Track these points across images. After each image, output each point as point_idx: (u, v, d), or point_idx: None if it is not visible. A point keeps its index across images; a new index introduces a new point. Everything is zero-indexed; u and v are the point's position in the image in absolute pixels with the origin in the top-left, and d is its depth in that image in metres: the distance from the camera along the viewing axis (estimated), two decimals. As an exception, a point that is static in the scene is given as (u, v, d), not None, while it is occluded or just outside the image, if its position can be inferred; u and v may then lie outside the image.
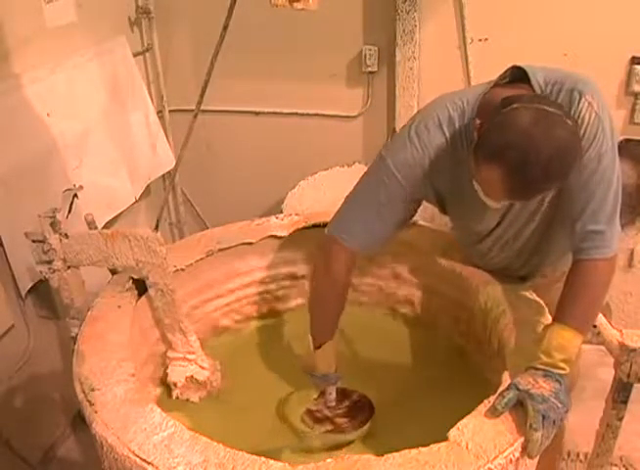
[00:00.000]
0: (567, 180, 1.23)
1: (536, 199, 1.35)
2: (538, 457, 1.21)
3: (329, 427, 1.54)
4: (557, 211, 1.42)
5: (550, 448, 1.22)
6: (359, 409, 1.59)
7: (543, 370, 1.21)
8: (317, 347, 1.55)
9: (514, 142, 1.15)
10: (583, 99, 1.28)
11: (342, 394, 1.61)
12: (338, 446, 1.48)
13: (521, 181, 1.16)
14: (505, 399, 1.18)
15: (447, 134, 1.37)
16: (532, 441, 1.14)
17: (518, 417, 1.17)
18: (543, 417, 1.14)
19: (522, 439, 1.14)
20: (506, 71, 1.34)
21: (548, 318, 1.43)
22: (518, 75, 1.33)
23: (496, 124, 1.19)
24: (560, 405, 1.16)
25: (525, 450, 1.15)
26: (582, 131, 1.28)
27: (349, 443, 1.50)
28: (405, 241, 1.76)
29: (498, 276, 1.59)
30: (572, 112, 1.27)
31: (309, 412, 1.58)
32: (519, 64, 1.32)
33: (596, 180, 1.31)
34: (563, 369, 1.22)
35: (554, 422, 1.15)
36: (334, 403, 1.59)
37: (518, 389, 1.18)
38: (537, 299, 1.50)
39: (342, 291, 1.54)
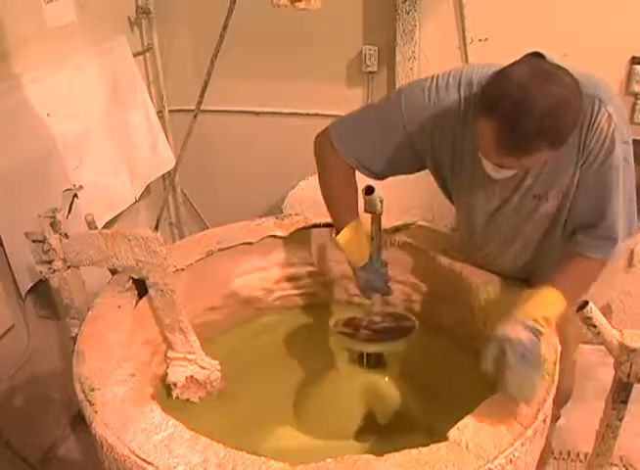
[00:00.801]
0: (561, 144, 1.20)
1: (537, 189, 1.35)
2: (538, 457, 1.21)
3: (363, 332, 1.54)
4: (560, 214, 1.42)
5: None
6: (398, 330, 1.56)
7: (523, 320, 1.24)
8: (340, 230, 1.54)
9: (508, 93, 1.15)
10: (603, 109, 1.28)
11: (391, 315, 1.59)
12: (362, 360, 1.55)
13: (513, 134, 1.16)
14: (487, 352, 1.20)
15: (462, 98, 1.36)
16: (513, 381, 1.16)
17: (518, 417, 1.17)
18: (522, 357, 1.17)
19: (521, 439, 1.14)
20: (526, 55, 1.31)
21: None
22: None
23: (494, 77, 1.21)
24: (533, 357, 1.20)
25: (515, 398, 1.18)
26: (599, 142, 1.29)
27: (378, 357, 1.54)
28: (405, 241, 1.76)
29: (498, 276, 1.59)
30: (592, 119, 1.28)
31: (348, 320, 1.58)
32: (540, 51, 1.30)
33: (607, 190, 1.33)
34: (542, 326, 1.24)
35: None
36: (378, 319, 1.55)
37: (497, 338, 1.21)
38: (537, 299, 1.50)
39: (348, 185, 1.53)
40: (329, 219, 1.80)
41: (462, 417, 1.18)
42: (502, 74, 1.20)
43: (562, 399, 1.67)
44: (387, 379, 1.60)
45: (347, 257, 1.58)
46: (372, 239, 1.54)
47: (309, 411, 1.62)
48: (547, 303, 1.30)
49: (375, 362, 1.60)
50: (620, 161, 1.32)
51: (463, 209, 1.57)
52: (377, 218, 1.54)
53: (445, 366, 1.68)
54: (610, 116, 1.28)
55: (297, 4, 1.72)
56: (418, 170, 1.55)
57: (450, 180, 1.51)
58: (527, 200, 1.41)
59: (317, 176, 1.60)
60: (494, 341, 1.21)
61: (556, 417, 1.76)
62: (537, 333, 1.24)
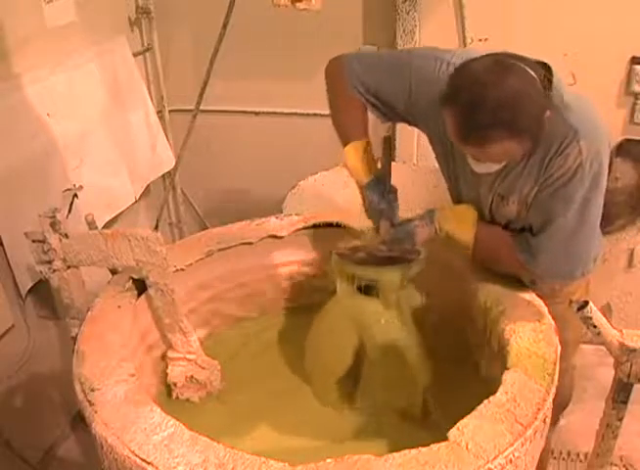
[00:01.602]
0: (520, 132, 1.21)
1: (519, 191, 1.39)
2: (538, 457, 1.21)
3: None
4: (516, 221, 1.46)
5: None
6: (400, 261, 1.52)
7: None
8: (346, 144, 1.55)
9: (466, 85, 1.20)
10: (576, 143, 1.28)
11: (399, 246, 1.54)
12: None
13: (470, 123, 1.20)
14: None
15: None
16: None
17: (518, 417, 1.18)
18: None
19: (521, 439, 1.14)
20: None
21: (548, 318, 1.43)
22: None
23: (457, 69, 1.25)
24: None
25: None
26: (560, 171, 1.30)
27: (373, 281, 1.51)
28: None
29: (498, 276, 1.59)
30: (560, 147, 1.29)
31: (353, 246, 1.57)
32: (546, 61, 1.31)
33: (549, 217, 1.36)
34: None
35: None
36: (383, 248, 1.51)
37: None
38: (537, 299, 1.50)
39: (355, 106, 1.56)
40: (329, 219, 1.81)
41: (462, 417, 1.18)
42: (464, 66, 1.24)
43: (561, 404, 1.67)
44: (383, 321, 1.55)
45: (351, 173, 1.56)
46: (383, 161, 1.54)
47: (308, 348, 1.64)
48: (461, 221, 1.45)
49: (366, 289, 1.55)
50: (577, 197, 1.32)
51: (448, 181, 1.61)
52: (387, 140, 1.54)
53: (444, 366, 1.68)
54: (580, 151, 1.28)
55: (297, 4, 1.72)
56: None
57: (437, 157, 1.55)
58: (496, 197, 1.45)
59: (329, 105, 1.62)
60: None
61: (555, 420, 1.76)
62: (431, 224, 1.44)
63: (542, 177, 1.35)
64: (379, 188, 1.52)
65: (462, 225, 1.46)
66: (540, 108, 1.22)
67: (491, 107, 1.17)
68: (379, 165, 1.55)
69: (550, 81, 1.26)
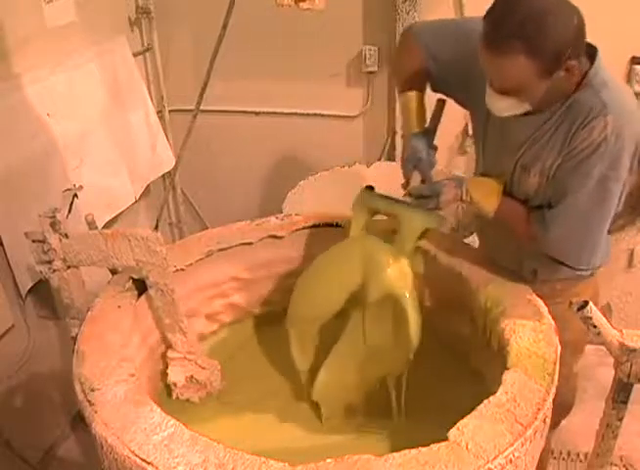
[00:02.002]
0: (537, 53, 1.24)
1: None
2: (538, 457, 1.21)
3: None
4: (537, 195, 1.47)
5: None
6: None
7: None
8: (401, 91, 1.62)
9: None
10: (602, 116, 1.30)
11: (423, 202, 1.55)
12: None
13: (496, 31, 1.26)
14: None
15: None
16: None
17: (518, 417, 1.18)
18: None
19: (521, 439, 1.14)
20: None
21: (548, 318, 1.43)
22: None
23: None
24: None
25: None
26: (583, 144, 1.32)
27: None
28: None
29: (498, 276, 1.59)
30: (587, 120, 1.31)
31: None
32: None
33: (565, 191, 1.38)
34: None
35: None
36: (409, 200, 1.54)
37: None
38: (537, 299, 1.50)
39: (418, 64, 1.59)
40: (329, 219, 1.81)
41: (462, 417, 1.18)
42: None
43: (563, 409, 1.68)
44: (391, 269, 1.51)
45: (405, 118, 1.63)
46: (432, 119, 1.60)
47: (300, 284, 1.65)
48: (488, 192, 1.49)
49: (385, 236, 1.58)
50: (596, 172, 1.33)
51: (478, 155, 1.66)
52: (440, 103, 1.60)
53: (444, 366, 1.68)
54: (606, 125, 1.30)
55: (300, 4, 1.72)
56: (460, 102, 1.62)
57: (476, 126, 1.61)
58: (519, 169, 1.47)
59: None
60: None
61: (555, 423, 1.76)
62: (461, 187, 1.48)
63: (566, 149, 1.37)
64: (424, 140, 1.56)
65: (488, 196, 1.50)
66: (565, 40, 1.25)
67: (519, 19, 1.22)
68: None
69: (592, 54, 1.34)
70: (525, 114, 1.38)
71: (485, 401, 1.21)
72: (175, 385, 1.57)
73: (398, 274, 1.50)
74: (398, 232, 1.54)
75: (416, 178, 1.54)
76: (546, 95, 1.32)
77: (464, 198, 1.50)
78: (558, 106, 1.37)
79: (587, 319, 1.25)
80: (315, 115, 2.67)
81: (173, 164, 2.69)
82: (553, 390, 1.26)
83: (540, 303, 1.49)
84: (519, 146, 1.45)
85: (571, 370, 1.63)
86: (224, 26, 2.09)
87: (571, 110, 1.35)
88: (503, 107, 1.36)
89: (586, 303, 1.24)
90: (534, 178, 1.45)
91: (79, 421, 2.24)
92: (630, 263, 2.53)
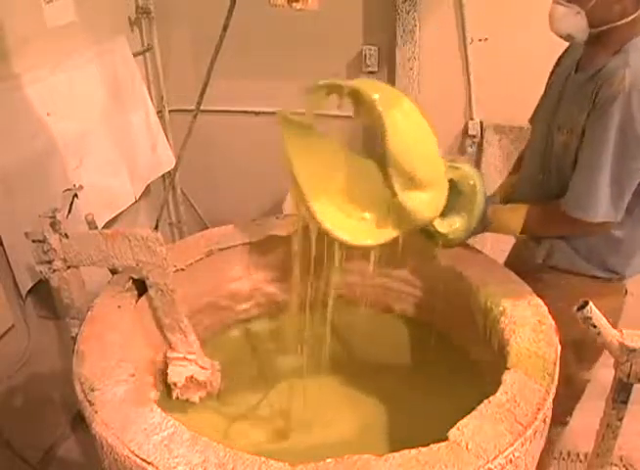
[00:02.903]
0: None
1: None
2: (538, 457, 1.21)
3: None
4: (566, 153, 1.51)
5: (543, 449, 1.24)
6: None
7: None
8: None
9: None
10: (623, 70, 1.36)
11: None
12: None
13: None
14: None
15: None
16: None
17: (518, 417, 1.18)
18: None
19: (521, 439, 1.14)
20: None
21: (548, 318, 1.43)
22: None
23: None
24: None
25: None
26: (605, 94, 1.38)
27: None
28: (406, 241, 1.76)
29: (498, 276, 1.60)
30: (609, 73, 1.39)
31: None
32: None
33: (594, 145, 1.42)
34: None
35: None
36: None
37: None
38: (537, 299, 1.50)
39: None
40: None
41: (462, 417, 1.18)
42: None
43: (568, 406, 1.72)
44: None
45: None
46: None
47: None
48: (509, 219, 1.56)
49: None
50: (613, 124, 1.37)
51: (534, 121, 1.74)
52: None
53: (445, 366, 1.68)
54: (624, 77, 1.36)
55: (294, 4, 1.71)
56: None
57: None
58: (555, 130, 1.53)
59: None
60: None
61: (562, 422, 1.77)
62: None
63: (591, 105, 1.42)
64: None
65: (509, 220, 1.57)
66: None
67: None
68: None
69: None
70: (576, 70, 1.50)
71: (485, 401, 1.21)
72: (175, 385, 1.57)
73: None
74: None
75: None
76: (595, 10, 1.38)
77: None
78: (596, 68, 1.44)
79: (587, 319, 1.25)
80: (315, 114, 2.66)
81: (173, 164, 2.69)
82: (553, 390, 1.25)
83: (540, 302, 1.49)
84: (554, 103, 1.54)
85: (582, 377, 1.69)
86: (224, 27, 2.09)
87: (600, 73, 1.42)
88: (561, 15, 1.43)
89: (586, 303, 1.24)
90: (563, 137, 1.49)
91: (79, 421, 2.24)
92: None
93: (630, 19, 1.40)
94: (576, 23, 1.43)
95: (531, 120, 1.75)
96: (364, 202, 1.46)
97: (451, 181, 1.51)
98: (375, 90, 1.41)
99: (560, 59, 1.67)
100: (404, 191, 1.40)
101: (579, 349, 1.59)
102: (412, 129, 1.41)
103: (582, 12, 1.40)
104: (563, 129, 1.50)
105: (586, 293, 1.50)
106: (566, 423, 1.80)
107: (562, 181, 1.52)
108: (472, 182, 1.52)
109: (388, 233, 1.45)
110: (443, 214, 1.51)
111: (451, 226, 1.54)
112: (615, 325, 1.25)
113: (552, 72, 1.68)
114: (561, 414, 1.66)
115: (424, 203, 1.42)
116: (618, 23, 1.40)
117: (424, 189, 1.41)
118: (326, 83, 1.49)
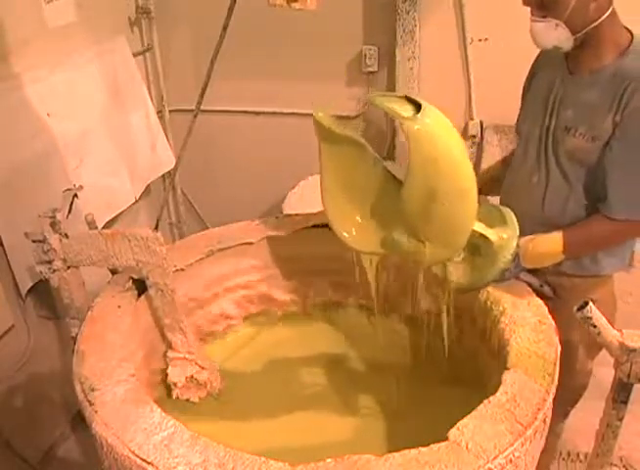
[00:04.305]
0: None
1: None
2: (538, 458, 1.21)
3: None
4: (586, 158, 1.48)
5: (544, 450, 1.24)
6: None
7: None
8: None
9: None
10: None
11: None
12: None
13: None
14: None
15: None
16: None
17: (518, 417, 1.18)
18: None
19: (521, 439, 1.14)
20: None
21: (548, 318, 1.43)
22: None
23: None
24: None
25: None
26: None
27: None
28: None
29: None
30: (633, 69, 1.38)
31: None
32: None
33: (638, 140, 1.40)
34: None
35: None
36: None
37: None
38: (537, 299, 1.50)
39: None
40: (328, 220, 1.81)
41: (462, 417, 1.18)
42: None
43: (571, 398, 1.73)
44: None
45: None
46: None
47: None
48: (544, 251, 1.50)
49: None
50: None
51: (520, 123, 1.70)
52: None
53: (445, 366, 1.68)
54: None
55: (292, 4, 1.72)
56: None
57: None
58: (559, 130, 1.51)
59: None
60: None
61: (564, 415, 1.78)
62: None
63: (616, 106, 1.40)
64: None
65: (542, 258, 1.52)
66: None
67: None
68: None
69: (630, 34, 1.46)
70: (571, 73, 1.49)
71: (485, 401, 1.21)
72: (175, 385, 1.57)
73: None
74: None
75: None
76: (573, 17, 1.38)
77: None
78: (603, 73, 1.43)
79: (587, 319, 1.25)
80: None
81: (173, 164, 2.69)
82: (553, 390, 1.25)
83: (540, 302, 1.49)
84: (550, 108, 1.52)
85: (586, 365, 1.70)
86: (224, 27, 2.09)
87: (618, 74, 1.40)
88: (541, 30, 1.44)
89: (586, 303, 1.24)
90: (580, 140, 1.46)
91: (79, 421, 2.24)
92: (630, 263, 2.52)
93: (608, 13, 1.41)
94: (558, 35, 1.42)
95: (518, 129, 1.69)
96: (379, 217, 1.52)
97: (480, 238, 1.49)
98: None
99: (533, 67, 1.66)
100: (405, 234, 1.47)
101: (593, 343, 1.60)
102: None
103: (561, 23, 1.39)
104: (573, 130, 1.48)
105: (590, 289, 1.59)
106: (567, 414, 1.81)
107: (559, 180, 1.53)
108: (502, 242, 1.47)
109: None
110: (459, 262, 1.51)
111: (463, 276, 1.51)
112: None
113: (528, 80, 1.67)
114: (564, 406, 1.69)
115: (421, 253, 1.46)
116: (599, 20, 1.40)
117: (427, 242, 1.44)
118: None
